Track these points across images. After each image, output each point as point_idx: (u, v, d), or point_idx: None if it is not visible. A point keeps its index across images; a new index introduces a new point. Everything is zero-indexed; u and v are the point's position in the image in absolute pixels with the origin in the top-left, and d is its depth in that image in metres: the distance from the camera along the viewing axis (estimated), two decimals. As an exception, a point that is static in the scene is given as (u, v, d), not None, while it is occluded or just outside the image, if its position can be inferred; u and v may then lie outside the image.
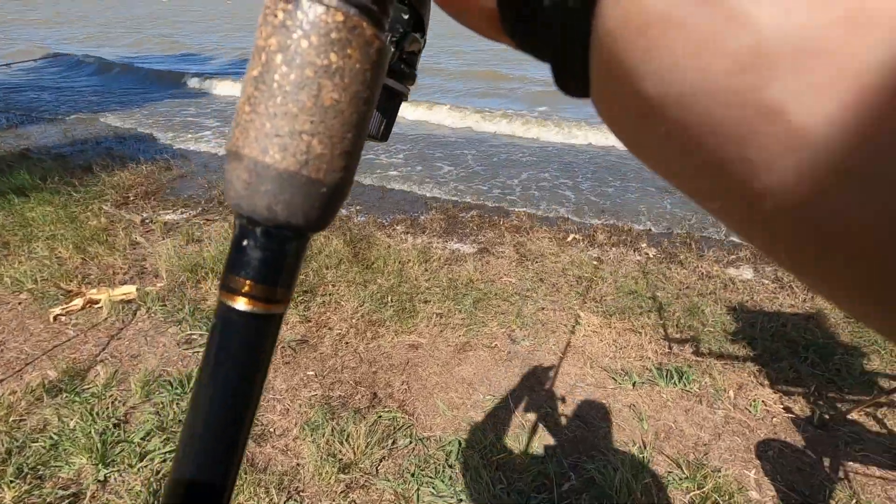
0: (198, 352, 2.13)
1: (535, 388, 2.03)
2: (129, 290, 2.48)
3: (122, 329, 2.25)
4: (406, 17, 0.25)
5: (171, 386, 1.90)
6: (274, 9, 0.16)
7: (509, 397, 1.96)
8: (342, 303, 2.54)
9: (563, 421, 1.86)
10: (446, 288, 2.71)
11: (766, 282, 3.01)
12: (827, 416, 1.91)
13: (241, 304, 0.18)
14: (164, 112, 6.84)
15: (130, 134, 5.69)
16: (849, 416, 1.90)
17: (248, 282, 0.18)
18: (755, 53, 0.09)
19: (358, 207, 4.00)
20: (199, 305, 2.43)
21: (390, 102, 0.29)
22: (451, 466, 1.65)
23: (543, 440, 1.77)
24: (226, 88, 8.35)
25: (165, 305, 2.41)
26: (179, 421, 1.76)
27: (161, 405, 1.82)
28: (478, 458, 1.68)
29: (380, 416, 1.83)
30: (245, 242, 0.18)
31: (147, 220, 3.37)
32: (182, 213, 3.61)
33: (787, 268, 0.12)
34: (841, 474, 1.66)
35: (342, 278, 2.75)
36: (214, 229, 3.35)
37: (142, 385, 1.88)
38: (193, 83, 8.71)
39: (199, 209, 3.78)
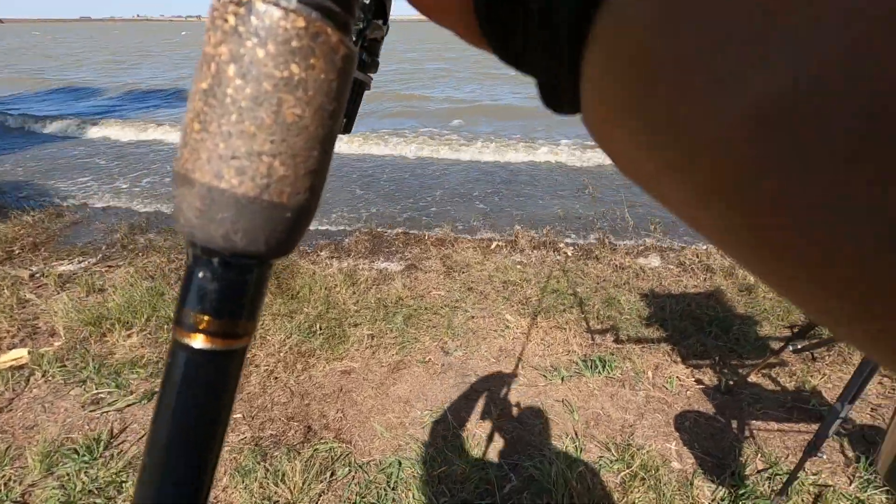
0: (107, 412, 1.95)
1: (471, 396, 2.07)
2: (20, 354, 2.23)
3: (13, 399, 2.00)
4: (367, 2, 0.23)
5: (77, 454, 1.72)
6: (223, 12, 0.14)
7: (447, 409, 1.98)
8: (268, 337, 2.44)
9: (501, 424, 1.91)
10: (375, 309, 2.69)
11: (672, 267, 3.28)
12: (731, 383, 2.11)
13: (198, 341, 0.16)
14: (48, 156, 6.25)
15: (8, 182, 5.14)
16: (749, 380, 2.11)
17: (205, 317, 0.16)
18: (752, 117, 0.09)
19: (278, 237, 3.87)
20: (105, 361, 2.23)
21: (353, 93, 0.26)
22: (393, 488, 1.63)
23: (483, 446, 1.80)
24: (114, 129, 7.75)
25: (65, 366, 2.18)
26: (89, 491, 1.60)
27: (66, 477, 1.64)
28: (420, 474, 1.68)
29: (316, 450, 1.77)
30: (200, 274, 0.16)
31: (37, 274, 3.04)
32: (80, 262, 3.31)
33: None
34: (747, 433, 1.84)
35: (266, 311, 2.65)
36: (119, 276, 3.10)
37: (41, 458, 1.68)
38: (76, 124, 7.99)
39: (100, 256, 3.48)
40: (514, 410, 1.98)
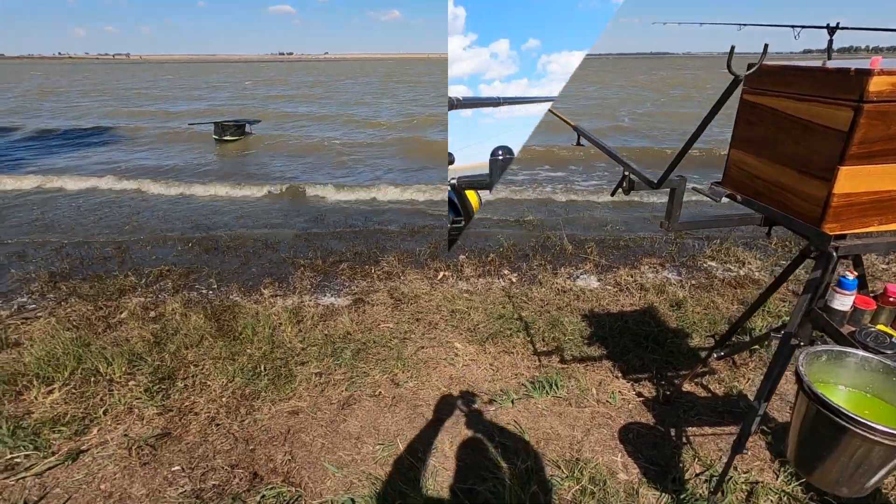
0: (23, 478, 1.77)
1: (423, 426, 2.06)
2: (-84, 421, 1.98)
3: None
4: None
5: (-12, 528, 1.54)
6: None
7: (398, 442, 1.95)
8: (208, 382, 2.32)
9: (454, 452, 1.91)
10: (323, 345, 2.64)
11: (609, 287, 3.46)
12: (668, 393, 2.23)
13: None
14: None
15: None
16: (683, 389, 2.25)
17: None
18: None
19: (217, 278, 3.74)
20: (21, 422, 2.03)
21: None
22: (346, 529, 1.58)
23: (437, 475, 1.78)
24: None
25: (-28, 431, 1.97)
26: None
27: (-27, 556, 1.47)
28: (374, 512, 1.64)
29: (263, 497, 1.69)
30: None
31: (-62, 332, 2.75)
32: (-10, 315, 3.03)
33: None
34: (684, 440, 1.95)
35: (206, 356, 2.53)
36: (38, 328, 2.86)
37: (-58, 537, 1.50)
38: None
39: (14, 307, 3.21)
40: (466, 437, 1.99)
